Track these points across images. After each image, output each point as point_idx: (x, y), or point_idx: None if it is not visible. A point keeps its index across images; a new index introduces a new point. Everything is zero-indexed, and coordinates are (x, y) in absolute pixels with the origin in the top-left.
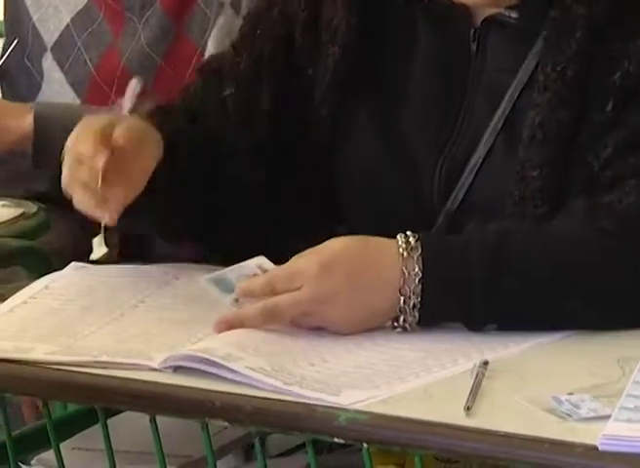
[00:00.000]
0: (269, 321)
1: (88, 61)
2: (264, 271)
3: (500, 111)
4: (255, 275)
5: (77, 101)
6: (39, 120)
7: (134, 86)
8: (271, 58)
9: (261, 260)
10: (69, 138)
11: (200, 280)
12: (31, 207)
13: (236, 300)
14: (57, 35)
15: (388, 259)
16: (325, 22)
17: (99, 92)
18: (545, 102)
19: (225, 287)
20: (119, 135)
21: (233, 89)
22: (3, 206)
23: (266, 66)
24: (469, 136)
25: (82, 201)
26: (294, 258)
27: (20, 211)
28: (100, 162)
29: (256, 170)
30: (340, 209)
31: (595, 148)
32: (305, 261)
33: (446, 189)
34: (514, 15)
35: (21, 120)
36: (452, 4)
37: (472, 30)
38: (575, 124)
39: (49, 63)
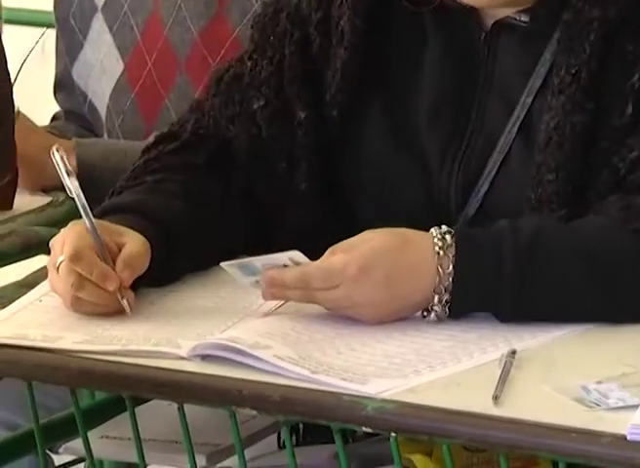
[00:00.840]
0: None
1: (134, 27)
2: (296, 264)
3: (514, 115)
4: (285, 266)
5: (121, 65)
6: (82, 163)
7: (59, 158)
8: (291, 61)
9: (295, 254)
10: (66, 251)
11: (222, 264)
12: (59, 195)
13: (257, 282)
14: None
15: (425, 259)
16: (334, 24)
17: (140, 60)
18: (560, 106)
19: (249, 271)
20: (121, 270)
21: (263, 101)
22: (31, 194)
23: (288, 72)
24: (483, 140)
25: (93, 311)
26: (330, 255)
27: (47, 199)
28: (112, 287)
29: (295, 181)
30: (353, 210)
31: (620, 152)
32: (344, 261)
33: (463, 195)
34: (525, 18)
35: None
36: (461, 7)
37: (483, 34)
38: (591, 127)
39: (99, 24)
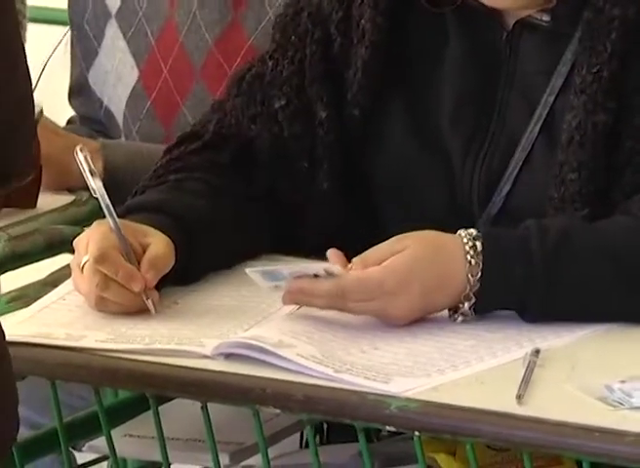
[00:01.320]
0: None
1: (149, 33)
2: (330, 274)
3: (536, 115)
4: (315, 275)
5: (136, 72)
6: (108, 165)
7: (82, 157)
8: (312, 61)
9: (330, 265)
10: (91, 251)
11: (247, 270)
12: (83, 194)
13: (276, 286)
14: (119, 2)
15: (456, 267)
16: (355, 23)
17: (155, 67)
18: (582, 105)
19: (273, 277)
20: (146, 271)
21: (284, 100)
22: (55, 192)
23: (309, 71)
24: (505, 140)
25: (117, 311)
26: (362, 264)
27: (71, 198)
28: (138, 288)
29: (317, 180)
30: (375, 210)
31: None
32: (381, 275)
33: (485, 194)
34: (546, 18)
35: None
36: (483, 7)
37: (505, 34)
38: (613, 126)
39: (113, 31)
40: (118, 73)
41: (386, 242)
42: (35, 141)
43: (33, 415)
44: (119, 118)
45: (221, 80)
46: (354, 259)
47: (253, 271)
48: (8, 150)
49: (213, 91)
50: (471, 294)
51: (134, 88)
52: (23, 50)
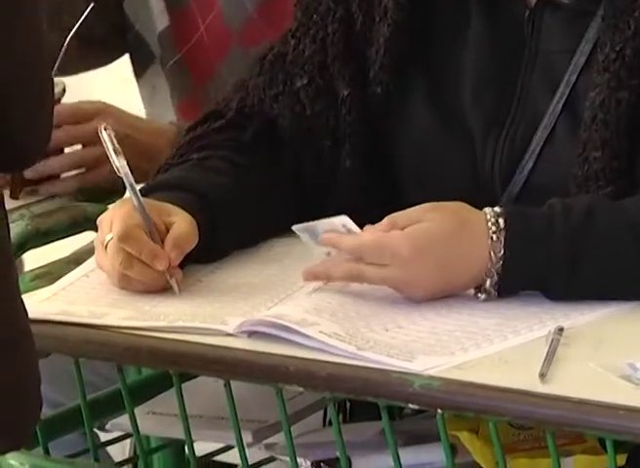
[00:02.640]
0: (352, 282)
1: None
2: (348, 231)
3: (559, 93)
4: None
5: (166, 17)
6: None
7: (106, 136)
8: (334, 40)
9: (345, 220)
10: (115, 229)
11: (294, 228)
12: None
13: (328, 254)
14: None
15: (479, 243)
16: (377, 1)
17: (190, 22)
18: (605, 83)
19: (313, 235)
20: (170, 250)
21: (307, 79)
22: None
23: (331, 50)
24: (527, 118)
25: (140, 289)
26: (384, 228)
27: None
28: (162, 266)
29: (340, 158)
30: (398, 188)
31: None
32: (398, 240)
33: (507, 172)
34: None
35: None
36: None
37: (527, 12)
38: (636, 104)
39: None
40: (150, 8)
41: (419, 207)
42: (51, 124)
43: (56, 395)
44: (154, 47)
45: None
46: (386, 217)
47: (299, 229)
48: (29, 131)
49: (250, 50)
50: (493, 270)
51: (161, 34)
52: (43, 36)
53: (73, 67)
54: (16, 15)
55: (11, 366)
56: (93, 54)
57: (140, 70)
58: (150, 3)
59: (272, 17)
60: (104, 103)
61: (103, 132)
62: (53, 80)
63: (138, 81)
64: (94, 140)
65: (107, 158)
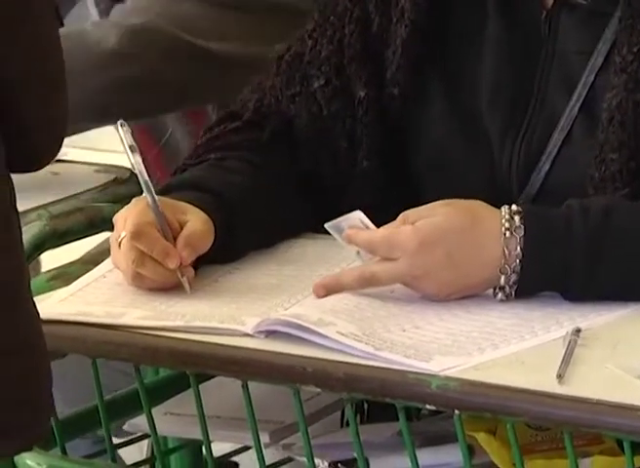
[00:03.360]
0: (366, 287)
1: None
2: (365, 226)
3: (576, 94)
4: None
5: None
6: None
7: (123, 132)
8: (351, 40)
9: (360, 215)
10: (128, 227)
11: (325, 225)
12: (124, 173)
13: (358, 253)
14: None
15: (491, 238)
16: (394, 1)
17: None
18: (622, 84)
19: (341, 235)
20: (182, 248)
21: (323, 80)
22: (95, 171)
23: (348, 50)
24: (544, 119)
25: (154, 287)
26: (397, 224)
27: (112, 176)
28: (173, 265)
29: (356, 159)
30: (414, 189)
31: None
32: (406, 234)
33: (524, 173)
34: None
35: None
36: None
37: (544, 13)
38: None
39: None
40: None
41: (432, 204)
42: (64, 121)
43: (74, 395)
44: None
45: None
46: (400, 215)
47: (330, 228)
48: (44, 130)
49: None
50: (508, 268)
51: None
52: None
53: None
54: (25, 13)
55: (19, 368)
56: None
57: None
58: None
59: None
60: None
61: (120, 128)
62: (64, 78)
63: None
64: None
65: None
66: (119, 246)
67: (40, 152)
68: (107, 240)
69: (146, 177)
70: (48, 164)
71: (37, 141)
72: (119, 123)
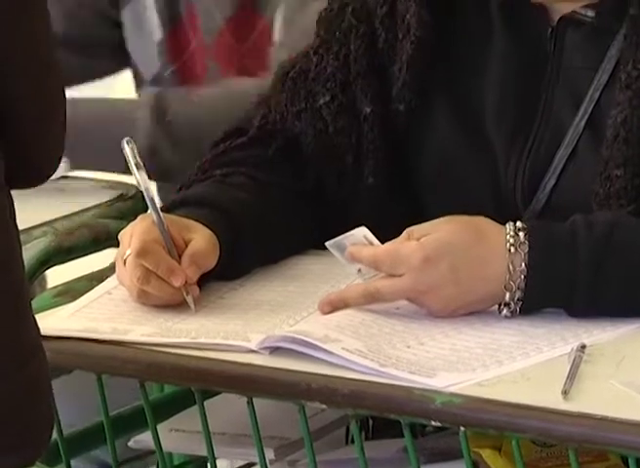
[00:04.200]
0: (371, 303)
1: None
2: (370, 242)
3: (581, 110)
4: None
5: (159, 32)
6: None
7: (129, 150)
8: (357, 57)
9: (365, 231)
10: (133, 245)
11: (326, 244)
12: (129, 189)
13: (359, 270)
14: None
15: (496, 254)
16: (400, 18)
17: (182, 37)
18: (627, 101)
19: (343, 253)
20: (187, 266)
21: (329, 96)
22: (102, 187)
23: (354, 67)
24: (550, 135)
25: (159, 304)
26: (401, 240)
27: (117, 192)
28: (178, 283)
29: (362, 176)
30: (419, 205)
31: None
32: (410, 250)
33: (529, 190)
34: (591, 13)
35: None
36: (528, 2)
37: (550, 29)
38: None
39: None
40: (145, 22)
41: (437, 220)
42: (63, 137)
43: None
44: (141, 60)
45: (233, 60)
46: (404, 231)
47: (331, 246)
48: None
49: (223, 71)
50: (513, 284)
51: (157, 45)
52: (52, 46)
53: (75, 79)
54: (25, 31)
55: (18, 384)
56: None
57: (139, 83)
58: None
59: (238, 31)
60: None
61: (126, 146)
62: (64, 93)
63: (138, 93)
64: None
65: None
66: (124, 263)
67: (39, 167)
68: (114, 256)
69: (152, 195)
70: (48, 179)
71: (36, 157)
72: (125, 140)
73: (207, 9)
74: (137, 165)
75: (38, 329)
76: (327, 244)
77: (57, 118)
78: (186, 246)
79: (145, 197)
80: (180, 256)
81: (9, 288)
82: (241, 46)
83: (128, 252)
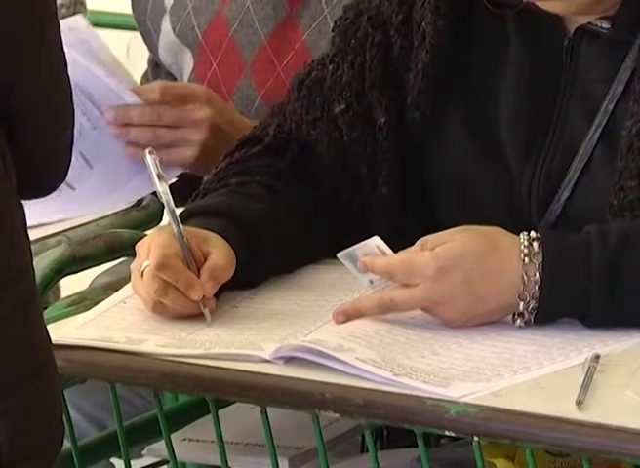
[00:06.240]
0: (385, 313)
1: (196, 27)
2: (382, 252)
3: (596, 122)
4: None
5: (191, 62)
6: None
7: (151, 161)
8: (372, 66)
9: (378, 241)
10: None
11: (338, 255)
12: (143, 199)
13: (371, 282)
14: None
15: (510, 265)
16: (415, 26)
17: (204, 60)
18: None
19: (355, 264)
20: (206, 280)
21: (344, 105)
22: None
23: (369, 75)
24: (564, 146)
25: (174, 316)
26: (415, 250)
27: (131, 202)
28: (196, 297)
29: (376, 185)
30: (433, 215)
31: None
32: (424, 260)
33: (544, 201)
34: (606, 25)
35: None
36: (545, 13)
37: (565, 40)
38: None
39: (166, 25)
40: (179, 66)
41: (451, 229)
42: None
43: (98, 412)
44: None
45: (270, 76)
46: (418, 240)
47: (342, 257)
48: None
49: (259, 87)
50: (527, 294)
51: (189, 78)
52: (63, 58)
53: None
54: (35, 41)
55: (30, 394)
56: None
57: None
58: (177, 60)
59: (281, 46)
60: (211, 92)
61: (148, 156)
62: (72, 105)
63: None
64: (189, 124)
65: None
66: (141, 275)
67: (47, 178)
68: (121, 263)
69: (173, 206)
70: (55, 189)
71: (43, 167)
72: (147, 151)
73: (247, 24)
74: (158, 175)
75: (49, 339)
76: (338, 255)
77: (63, 130)
78: (205, 258)
79: (166, 208)
80: (198, 269)
81: (21, 297)
82: (281, 62)
83: (145, 263)
